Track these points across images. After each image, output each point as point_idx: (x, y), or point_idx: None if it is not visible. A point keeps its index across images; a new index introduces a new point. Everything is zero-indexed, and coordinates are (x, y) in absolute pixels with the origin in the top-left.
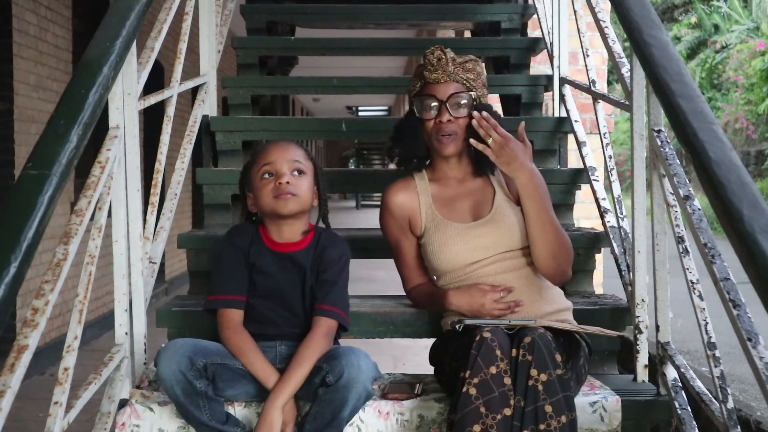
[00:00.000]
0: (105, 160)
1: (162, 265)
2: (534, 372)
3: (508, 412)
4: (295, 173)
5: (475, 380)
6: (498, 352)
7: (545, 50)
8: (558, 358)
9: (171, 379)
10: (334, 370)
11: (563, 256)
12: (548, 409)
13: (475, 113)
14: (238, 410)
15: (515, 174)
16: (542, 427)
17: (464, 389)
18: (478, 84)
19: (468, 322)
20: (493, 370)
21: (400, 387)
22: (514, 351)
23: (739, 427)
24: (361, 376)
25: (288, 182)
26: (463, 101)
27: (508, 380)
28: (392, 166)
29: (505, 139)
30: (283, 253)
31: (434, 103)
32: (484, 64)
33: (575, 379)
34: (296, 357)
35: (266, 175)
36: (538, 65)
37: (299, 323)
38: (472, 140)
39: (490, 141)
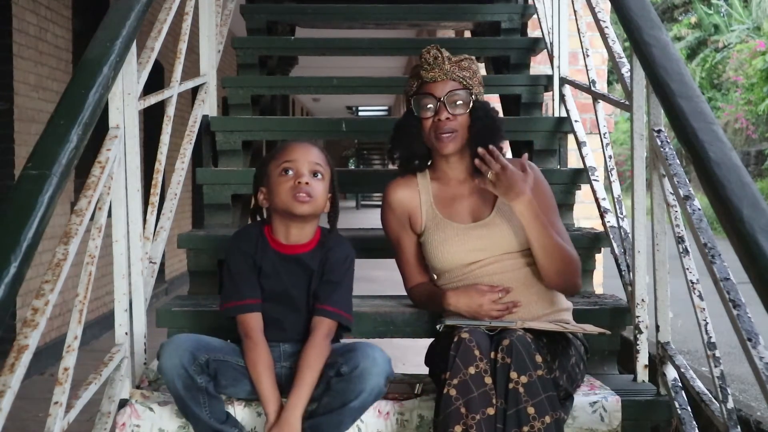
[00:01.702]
0: (105, 160)
1: (162, 265)
2: (514, 375)
3: (491, 411)
4: (314, 176)
5: (455, 381)
6: (476, 352)
7: (545, 50)
8: (538, 359)
9: (173, 372)
10: (349, 362)
11: (570, 272)
12: (531, 410)
13: (480, 149)
14: (237, 410)
15: (512, 202)
16: (526, 429)
17: (445, 390)
18: (474, 82)
19: (448, 322)
20: (472, 370)
21: (400, 387)
22: (493, 354)
23: (739, 427)
24: (375, 369)
25: (307, 183)
26: (461, 99)
27: (488, 380)
28: (393, 166)
29: (503, 169)
30: (289, 254)
31: (432, 102)
32: (480, 63)
33: (567, 378)
34: (303, 363)
35: (285, 172)
36: (538, 65)
37: (305, 324)
38: (477, 180)
39: (489, 174)
